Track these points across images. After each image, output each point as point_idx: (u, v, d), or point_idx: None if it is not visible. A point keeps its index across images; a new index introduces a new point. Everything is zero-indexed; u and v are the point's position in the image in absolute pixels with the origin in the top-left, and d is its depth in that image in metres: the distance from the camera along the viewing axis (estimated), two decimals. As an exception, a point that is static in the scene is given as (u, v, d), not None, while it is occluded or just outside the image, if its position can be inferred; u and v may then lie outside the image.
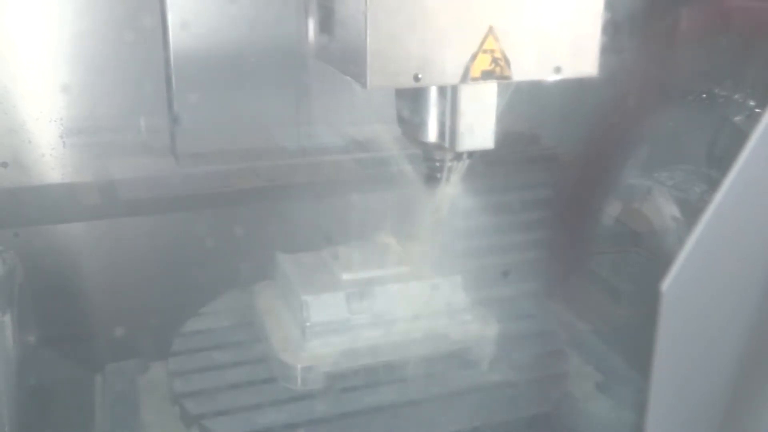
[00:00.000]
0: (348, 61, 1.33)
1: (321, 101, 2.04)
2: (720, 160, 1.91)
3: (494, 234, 1.96)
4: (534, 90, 1.40)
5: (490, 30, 1.28)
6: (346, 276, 1.72)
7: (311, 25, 1.85)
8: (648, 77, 1.94)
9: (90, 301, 1.86)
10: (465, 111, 1.38)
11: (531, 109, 1.55)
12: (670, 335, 1.00)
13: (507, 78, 1.32)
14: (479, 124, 1.40)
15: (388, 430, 1.59)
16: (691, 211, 1.91)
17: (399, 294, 1.70)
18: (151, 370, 1.81)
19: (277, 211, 1.97)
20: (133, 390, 1.74)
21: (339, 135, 2.11)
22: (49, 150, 1.91)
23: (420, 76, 1.27)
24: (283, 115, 2.04)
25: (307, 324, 1.65)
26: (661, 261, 1.68)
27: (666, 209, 1.97)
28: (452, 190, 1.54)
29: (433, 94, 1.41)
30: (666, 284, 0.96)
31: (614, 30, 1.38)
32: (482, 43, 1.28)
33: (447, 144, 1.43)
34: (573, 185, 2.12)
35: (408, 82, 1.27)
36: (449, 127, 1.41)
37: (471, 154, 1.47)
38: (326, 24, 1.44)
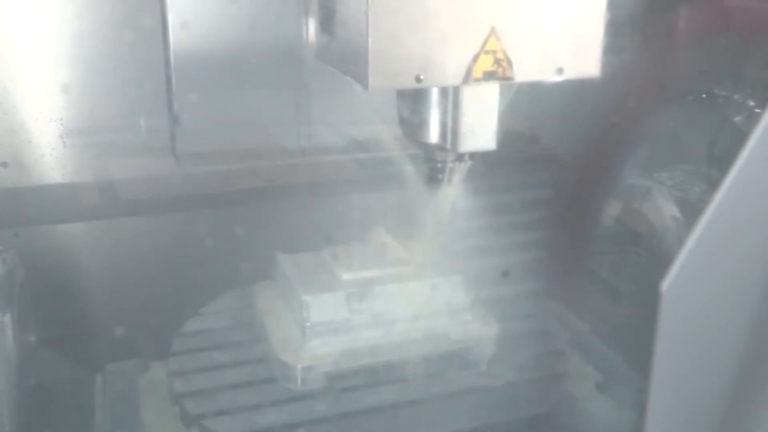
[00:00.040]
0: (349, 61, 1.32)
1: (321, 101, 2.04)
2: (720, 160, 1.91)
3: (494, 234, 1.96)
4: (533, 90, 1.40)
5: (493, 30, 1.27)
6: (346, 276, 1.72)
7: (312, 26, 1.85)
8: (648, 77, 1.94)
9: (90, 301, 1.86)
10: (467, 112, 1.37)
11: (530, 108, 1.55)
12: (670, 335, 1.00)
13: (509, 79, 1.32)
14: (481, 125, 1.39)
15: (388, 430, 1.59)
16: (691, 211, 1.91)
17: (399, 294, 1.70)
18: (151, 370, 1.81)
19: (277, 211, 1.97)
20: (133, 390, 1.74)
21: (339, 135, 2.11)
22: (49, 150, 1.91)
23: (422, 77, 1.26)
24: (283, 115, 2.04)
25: (307, 324, 1.65)
26: (661, 261, 1.68)
27: (666, 209, 1.97)
28: (453, 190, 1.54)
29: (434, 94, 1.40)
30: (666, 284, 0.96)
31: (614, 30, 1.38)
32: (484, 43, 1.28)
33: (449, 145, 1.42)
34: (573, 185, 2.11)
35: (409, 83, 1.26)
36: (451, 128, 1.40)
37: (473, 156, 1.47)
38: (327, 24, 1.43)
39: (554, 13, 1.31)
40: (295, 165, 2.07)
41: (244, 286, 1.92)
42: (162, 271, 1.91)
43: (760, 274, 1.02)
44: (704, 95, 1.96)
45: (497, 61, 1.29)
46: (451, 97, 1.38)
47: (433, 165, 1.50)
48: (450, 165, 1.49)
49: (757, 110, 1.83)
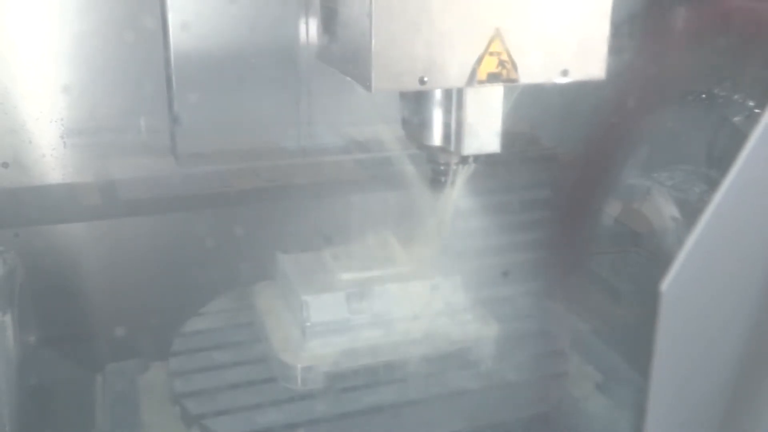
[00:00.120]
0: (351, 63, 1.31)
1: (321, 101, 2.04)
2: (719, 161, 1.92)
3: (494, 234, 1.96)
4: (533, 90, 1.40)
5: (497, 32, 1.26)
6: (346, 276, 1.72)
7: (312, 26, 1.85)
8: (647, 77, 1.94)
9: (90, 301, 1.86)
10: (470, 114, 1.36)
11: (530, 108, 1.55)
12: (670, 335, 1.00)
13: (514, 81, 1.30)
14: (485, 128, 1.38)
15: (388, 430, 1.59)
16: (691, 212, 1.91)
17: (399, 294, 1.70)
18: (151, 370, 1.81)
19: (277, 211, 1.97)
20: (133, 390, 1.74)
21: (339, 135, 2.11)
22: (50, 150, 1.91)
23: (425, 79, 1.24)
24: (283, 115, 2.04)
25: (307, 324, 1.65)
26: (661, 261, 1.68)
27: (665, 209, 1.97)
28: (454, 192, 1.53)
29: (438, 96, 1.39)
30: (665, 284, 0.96)
31: (614, 30, 1.38)
32: (489, 45, 1.26)
33: (452, 147, 1.41)
34: (573, 185, 2.11)
35: (413, 85, 1.25)
36: (454, 131, 1.39)
37: (476, 158, 1.45)
38: (329, 25, 1.43)
39: (559, 14, 1.30)
40: (295, 165, 2.07)
41: (244, 286, 1.92)
42: (162, 271, 1.91)
43: (760, 274, 1.02)
44: (704, 95, 1.96)
45: (501, 63, 1.28)
46: (455, 99, 1.37)
47: (436, 167, 1.49)
48: (453, 167, 1.48)
49: (756, 110, 1.83)
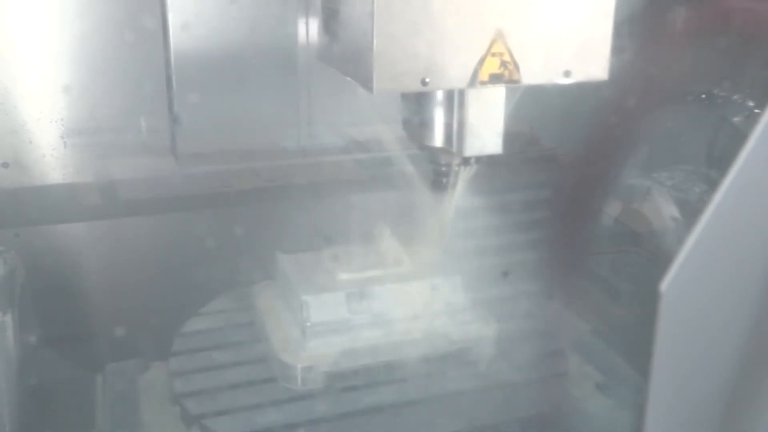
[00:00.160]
0: (353, 64, 1.31)
1: (321, 101, 2.04)
2: (719, 161, 1.92)
3: (494, 234, 1.96)
4: (533, 90, 1.40)
5: (499, 33, 1.26)
6: (345, 276, 1.72)
7: (312, 26, 1.85)
8: (647, 78, 1.94)
9: (90, 301, 1.86)
10: (472, 115, 1.35)
11: (530, 109, 1.55)
12: (670, 335, 1.00)
13: (516, 82, 1.30)
14: (487, 129, 1.37)
15: (388, 430, 1.59)
16: (691, 212, 1.91)
17: (399, 294, 1.70)
18: (151, 370, 1.81)
19: (278, 211, 1.97)
20: (133, 390, 1.74)
21: (339, 135, 2.11)
22: (50, 150, 1.91)
23: (427, 80, 1.24)
24: (283, 115, 2.04)
25: (307, 324, 1.65)
26: (661, 261, 1.68)
27: (665, 209, 1.97)
28: (456, 193, 1.53)
29: (439, 97, 1.38)
30: (665, 284, 0.97)
31: (614, 30, 1.38)
32: (491, 46, 1.26)
33: (454, 148, 1.40)
34: (573, 185, 2.12)
35: (415, 86, 1.24)
36: (456, 132, 1.38)
37: (478, 159, 1.45)
38: (330, 25, 1.42)
39: (561, 15, 1.29)
40: (295, 165, 2.07)
41: (244, 286, 1.92)
42: (162, 271, 1.91)
43: (760, 274, 1.03)
44: (704, 95, 1.96)
45: (504, 64, 1.27)
46: (457, 99, 1.36)
47: (438, 168, 1.49)
48: (455, 168, 1.47)
49: (756, 110, 1.83)
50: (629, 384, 1.75)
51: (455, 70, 1.26)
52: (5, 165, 1.86)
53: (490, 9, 1.25)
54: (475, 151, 1.40)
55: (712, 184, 1.64)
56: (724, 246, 1.00)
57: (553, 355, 1.84)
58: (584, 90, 1.40)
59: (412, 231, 1.77)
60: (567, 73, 1.32)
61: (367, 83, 1.23)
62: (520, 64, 1.29)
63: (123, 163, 1.96)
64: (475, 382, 1.69)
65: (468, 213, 1.68)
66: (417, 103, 1.42)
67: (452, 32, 1.24)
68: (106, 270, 1.89)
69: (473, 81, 1.27)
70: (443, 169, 1.49)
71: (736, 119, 1.86)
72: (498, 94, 1.36)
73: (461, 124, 1.37)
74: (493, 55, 1.27)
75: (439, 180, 1.50)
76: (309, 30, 1.96)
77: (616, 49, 1.35)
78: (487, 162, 1.51)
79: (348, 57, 1.34)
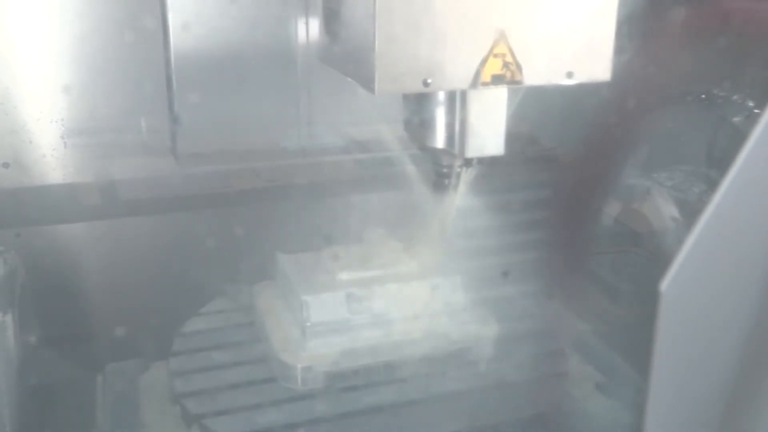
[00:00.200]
0: (354, 65, 1.30)
1: (321, 101, 2.04)
2: (719, 161, 1.91)
3: (494, 234, 1.96)
4: (533, 90, 1.40)
5: (501, 34, 1.25)
6: (345, 276, 1.73)
7: (312, 26, 1.85)
8: (647, 78, 1.94)
9: (91, 301, 1.86)
10: (474, 116, 1.35)
11: (530, 109, 1.55)
12: (670, 335, 1.00)
13: (518, 83, 1.29)
14: (489, 130, 1.37)
15: (388, 430, 1.59)
16: (690, 212, 1.91)
17: (399, 294, 1.70)
18: (151, 370, 1.82)
19: (278, 211, 1.97)
20: (134, 390, 1.74)
21: (339, 135, 2.11)
22: (50, 150, 1.91)
23: (429, 81, 1.23)
24: (283, 115, 2.04)
25: (307, 324, 1.65)
26: (661, 261, 1.68)
27: (665, 209, 1.97)
28: (457, 194, 1.53)
29: (441, 98, 1.38)
30: (665, 284, 0.97)
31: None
32: (493, 46, 1.25)
33: (456, 150, 1.40)
34: (573, 185, 2.11)
35: (417, 87, 1.23)
36: (458, 133, 1.38)
37: (480, 160, 1.44)
38: (331, 26, 1.42)
39: (564, 15, 1.29)
40: (295, 165, 2.07)
41: (244, 286, 1.92)
42: (162, 271, 1.91)
43: (760, 274, 1.03)
44: (703, 96, 1.96)
45: (506, 65, 1.27)
46: (459, 100, 1.36)
47: (440, 170, 1.49)
48: (457, 170, 1.47)
49: (756, 110, 1.83)
50: (629, 384, 1.75)
51: (457, 71, 1.25)
52: (5, 165, 1.86)
53: (492, 9, 1.24)
54: (477, 152, 1.39)
55: (712, 184, 1.64)
56: (724, 246, 1.00)
57: (553, 355, 1.84)
58: (584, 90, 1.40)
59: (412, 231, 1.77)
60: (569, 74, 1.32)
61: (368, 84, 1.22)
62: (522, 65, 1.28)
63: (123, 163, 1.96)
64: (475, 382, 1.69)
65: (468, 213, 1.68)
66: (418, 103, 1.42)
67: (454, 33, 1.23)
68: (106, 270, 1.90)
69: (475, 82, 1.26)
70: (445, 170, 1.48)
71: (736, 119, 1.86)
72: (500, 95, 1.36)
73: (463, 125, 1.36)
74: (495, 56, 1.26)
75: (440, 181, 1.50)
76: (309, 30, 1.96)
77: (616, 49, 1.35)
78: (488, 162, 1.51)
79: (349, 58, 1.34)
